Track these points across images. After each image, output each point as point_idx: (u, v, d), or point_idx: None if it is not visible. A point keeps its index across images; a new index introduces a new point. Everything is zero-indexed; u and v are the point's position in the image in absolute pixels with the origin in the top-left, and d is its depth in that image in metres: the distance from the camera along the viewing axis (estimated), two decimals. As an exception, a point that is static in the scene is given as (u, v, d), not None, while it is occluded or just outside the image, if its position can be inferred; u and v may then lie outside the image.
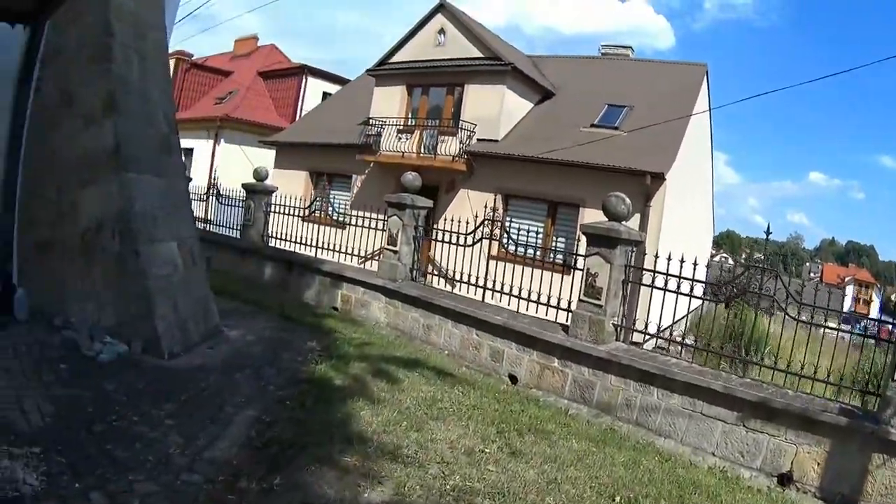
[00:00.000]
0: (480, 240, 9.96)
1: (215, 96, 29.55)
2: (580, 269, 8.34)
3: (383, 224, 11.03)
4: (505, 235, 10.20)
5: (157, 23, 7.58)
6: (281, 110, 28.98)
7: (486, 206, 10.39)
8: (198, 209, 15.89)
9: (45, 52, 6.82)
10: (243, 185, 13.79)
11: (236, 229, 14.56)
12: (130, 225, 6.47)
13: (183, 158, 7.73)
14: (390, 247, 10.62)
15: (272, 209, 13.57)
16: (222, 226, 15.32)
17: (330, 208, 13.10)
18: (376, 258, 11.73)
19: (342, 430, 5.35)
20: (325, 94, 28.46)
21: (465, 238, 10.01)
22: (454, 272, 10.06)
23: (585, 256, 8.21)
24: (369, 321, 10.65)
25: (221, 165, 25.23)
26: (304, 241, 12.71)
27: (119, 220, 6.50)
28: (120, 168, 6.49)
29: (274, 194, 13.70)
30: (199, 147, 26.79)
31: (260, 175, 13.49)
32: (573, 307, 8.37)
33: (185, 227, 7.50)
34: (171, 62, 29.15)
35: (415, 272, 10.81)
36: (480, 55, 17.70)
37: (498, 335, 8.93)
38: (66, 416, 4.74)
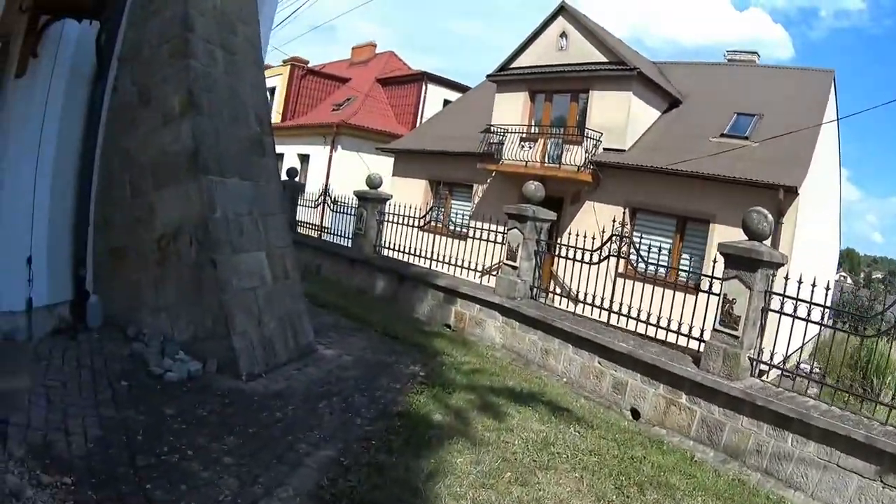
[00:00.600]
0: (608, 257, 9.02)
1: (332, 103, 29.62)
2: (714, 294, 7.44)
3: (503, 237, 10.26)
4: (634, 253, 9.19)
5: (247, 17, 7.02)
6: (400, 118, 28.66)
7: (613, 221, 9.28)
8: (311, 216, 15.42)
9: (123, 50, 6.36)
10: (355, 193, 13.26)
11: (349, 238, 14.08)
12: (210, 232, 5.86)
13: (276, 161, 6.98)
14: (509, 262, 9.77)
15: (386, 218, 12.91)
16: (335, 234, 14.80)
17: (449, 219, 12.04)
18: (495, 273, 10.79)
19: (430, 486, 4.52)
20: (446, 102, 28.01)
21: (591, 255, 9.13)
22: (577, 291, 9.21)
23: (722, 280, 7.21)
24: (483, 342, 9.88)
25: (338, 172, 25.12)
26: (419, 253, 12.10)
27: (198, 226, 5.94)
28: (198, 170, 5.92)
29: (388, 203, 13.13)
30: (316, 153, 26.86)
31: (373, 182, 12.84)
32: (706, 336, 7.46)
33: (277, 235, 6.82)
34: (286, 69, 29.62)
35: (535, 290, 9.93)
36: (604, 60, 16.82)
37: (622, 364, 8.01)
38: (112, 443, 4.23)
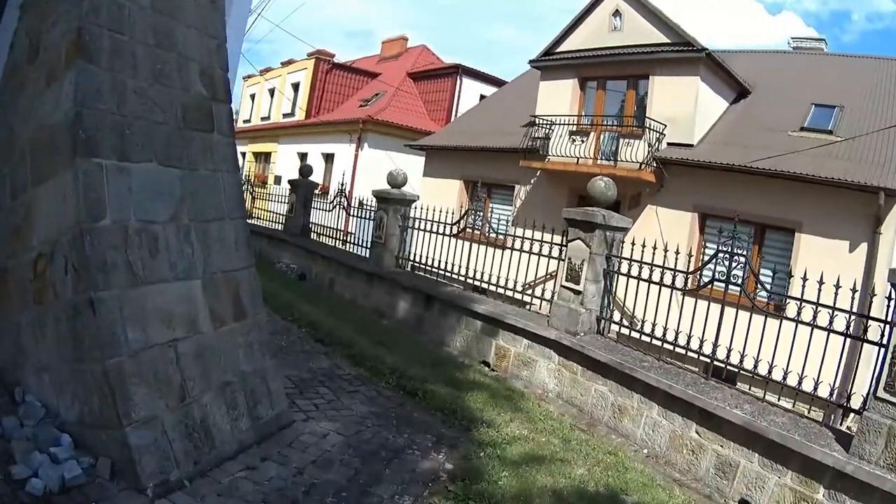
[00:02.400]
0: (710, 283, 6.55)
1: (360, 99, 27.47)
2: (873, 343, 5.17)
3: (549, 247, 8.15)
4: (750, 274, 6.66)
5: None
6: (433, 114, 26.50)
7: (708, 228, 6.73)
8: (330, 220, 13.15)
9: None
10: (374, 193, 10.94)
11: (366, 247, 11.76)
12: (87, 254, 3.45)
13: (233, 144, 4.59)
14: (570, 284, 7.37)
15: (411, 224, 10.52)
16: (356, 243, 12.46)
17: (488, 225, 9.56)
18: (540, 284, 8.65)
19: None
20: (482, 98, 25.62)
21: (687, 278, 6.85)
22: (652, 324, 6.88)
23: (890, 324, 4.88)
24: (532, 389, 7.56)
25: (364, 172, 22.99)
26: (452, 269, 9.75)
27: (73, 242, 3.50)
28: (79, 151, 3.53)
29: (414, 205, 10.80)
30: (341, 152, 24.74)
31: (396, 180, 10.52)
32: (855, 403, 5.32)
33: (226, 253, 4.38)
34: (311, 63, 27.61)
35: (603, 323, 7.47)
36: (667, 40, 14.32)
37: (731, 438, 5.64)
38: None
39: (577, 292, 7.30)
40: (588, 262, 7.23)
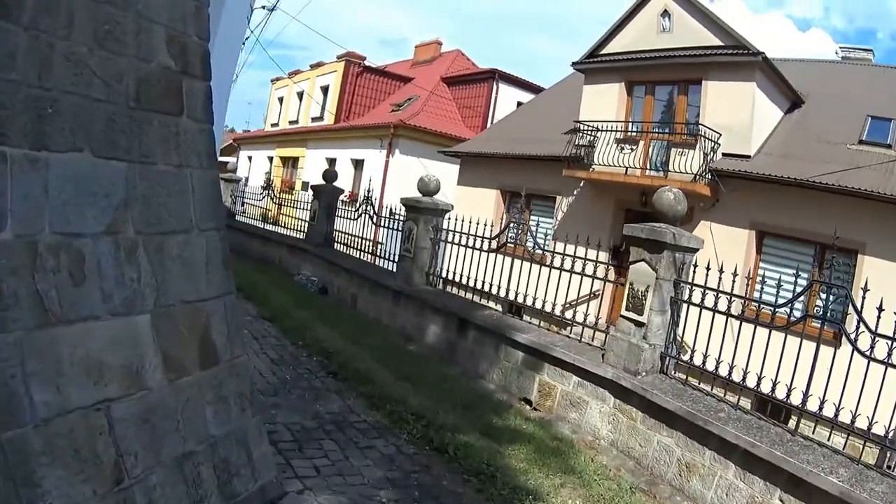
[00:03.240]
0: (804, 318, 5.41)
1: (391, 103, 26.51)
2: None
3: (604, 269, 7.14)
4: (846, 309, 5.58)
5: None
6: (468, 121, 25.48)
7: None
8: (354, 229, 12.09)
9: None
10: (403, 201, 9.88)
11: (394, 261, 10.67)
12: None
13: (210, 133, 3.49)
14: (631, 314, 6.22)
15: (444, 236, 9.42)
16: (383, 256, 11.32)
17: (532, 240, 8.38)
18: (583, 304, 7.67)
19: None
20: (519, 105, 24.50)
21: (772, 311, 5.55)
22: (715, 360, 5.85)
23: None
24: (582, 434, 6.44)
25: (395, 180, 21.98)
26: (490, 288, 8.58)
27: None
28: None
29: (448, 215, 9.72)
30: (370, 158, 23.76)
31: (428, 187, 9.46)
32: None
33: (194, 277, 3.27)
34: (340, 65, 26.79)
35: (669, 361, 6.27)
36: (720, 43, 13.17)
37: None
38: None
39: (640, 324, 6.14)
40: (654, 288, 6.06)
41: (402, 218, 10.16)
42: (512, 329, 7.51)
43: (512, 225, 9.17)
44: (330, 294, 11.75)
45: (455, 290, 9.48)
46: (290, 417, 5.08)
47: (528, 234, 8.66)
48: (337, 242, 12.94)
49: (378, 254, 11.53)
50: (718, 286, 5.75)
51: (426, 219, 9.52)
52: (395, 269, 10.41)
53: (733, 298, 5.67)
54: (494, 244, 8.64)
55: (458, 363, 8.20)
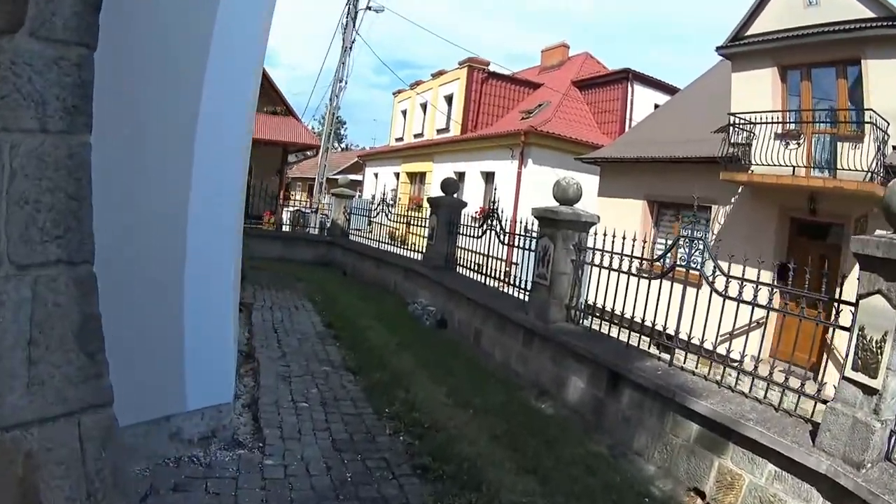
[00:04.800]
0: None
1: (521, 111, 24.59)
2: None
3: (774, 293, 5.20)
4: None
5: None
6: (603, 126, 23.26)
7: None
8: (481, 248, 9.97)
9: None
10: (534, 212, 7.81)
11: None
12: None
13: (93, 59, 1.54)
14: (859, 375, 3.89)
15: (588, 257, 7.24)
16: (513, 284, 9.12)
17: (712, 260, 5.96)
18: (741, 336, 5.86)
19: None
20: (656, 107, 21.94)
21: None
22: None
23: None
24: None
25: (530, 191, 19.84)
26: (653, 327, 6.34)
27: None
28: None
29: (594, 229, 7.54)
30: (501, 170, 21.81)
31: (566, 194, 7.43)
32: None
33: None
34: (463, 72, 25.25)
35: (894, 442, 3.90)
36: (874, 14, 10.54)
37: None
38: None
39: (871, 391, 3.82)
40: (894, 336, 3.70)
41: (533, 235, 8.07)
42: (683, 391, 5.20)
43: (682, 241, 6.88)
44: (449, 328, 9.80)
45: (601, 325, 7.24)
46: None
47: (706, 252, 6.31)
48: (460, 265, 10.89)
49: (508, 280, 9.32)
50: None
51: (565, 234, 7.36)
52: (526, 299, 8.29)
53: None
54: (661, 268, 6.39)
55: (607, 431, 5.99)
